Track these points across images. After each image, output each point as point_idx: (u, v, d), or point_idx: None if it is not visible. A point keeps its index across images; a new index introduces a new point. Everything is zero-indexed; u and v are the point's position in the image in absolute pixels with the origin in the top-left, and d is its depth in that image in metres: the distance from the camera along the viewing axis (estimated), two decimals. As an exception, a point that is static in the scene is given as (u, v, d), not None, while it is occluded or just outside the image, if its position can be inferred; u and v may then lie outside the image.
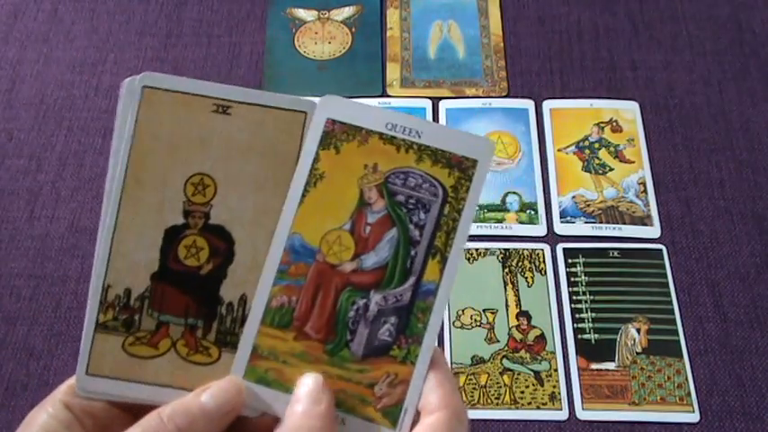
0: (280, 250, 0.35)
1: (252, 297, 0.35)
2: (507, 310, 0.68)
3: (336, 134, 0.36)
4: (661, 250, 0.71)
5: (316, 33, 0.86)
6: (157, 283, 0.35)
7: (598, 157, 0.77)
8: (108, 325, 0.34)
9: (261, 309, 0.35)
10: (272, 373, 0.34)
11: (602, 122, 0.79)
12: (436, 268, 0.35)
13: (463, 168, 0.36)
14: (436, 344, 0.34)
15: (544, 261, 0.71)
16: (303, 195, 0.36)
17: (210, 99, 0.36)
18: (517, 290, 0.69)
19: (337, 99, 0.36)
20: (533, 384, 0.65)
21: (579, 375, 0.65)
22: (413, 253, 0.35)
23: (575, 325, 0.67)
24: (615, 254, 0.71)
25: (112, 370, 0.34)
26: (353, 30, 0.86)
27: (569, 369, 0.65)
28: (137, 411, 0.32)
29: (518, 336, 0.67)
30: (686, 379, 0.65)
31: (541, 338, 0.67)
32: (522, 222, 0.73)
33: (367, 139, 0.36)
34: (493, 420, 0.63)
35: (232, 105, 0.36)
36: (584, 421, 0.63)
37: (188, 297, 0.35)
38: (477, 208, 0.66)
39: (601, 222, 0.73)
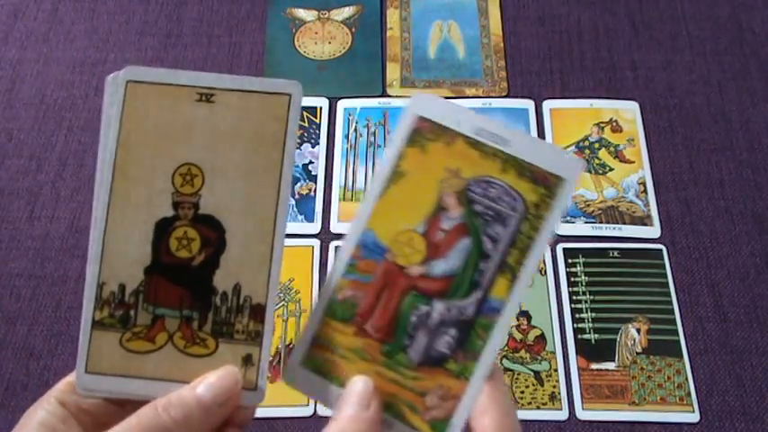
0: (353, 243, 0.35)
1: (246, 286, 0.34)
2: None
3: (424, 133, 0.36)
4: (661, 250, 0.71)
5: (316, 33, 0.86)
6: (151, 277, 0.34)
7: (598, 157, 0.77)
8: (104, 322, 0.34)
9: (326, 299, 0.35)
10: (329, 365, 0.34)
11: (602, 122, 0.79)
12: (505, 286, 0.34)
13: (548, 185, 0.34)
14: (495, 362, 0.34)
15: (544, 261, 0.71)
16: (382, 192, 0.35)
17: (193, 88, 0.35)
18: (517, 290, 0.69)
19: (430, 97, 0.36)
20: (533, 384, 0.65)
21: (579, 375, 0.65)
22: (483, 267, 0.34)
23: (575, 325, 0.67)
24: (615, 254, 0.71)
25: (111, 367, 0.34)
26: (353, 30, 0.86)
27: (569, 369, 0.65)
28: (133, 407, 0.32)
29: (518, 336, 0.67)
30: (686, 379, 0.65)
31: (541, 338, 0.67)
32: (522, 222, 0.73)
33: (454, 141, 0.35)
34: (493, 420, 0.63)
35: (215, 93, 0.35)
36: (584, 421, 0.63)
37: (182, 289, 0.34)
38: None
39: (601, 222, 0.73)
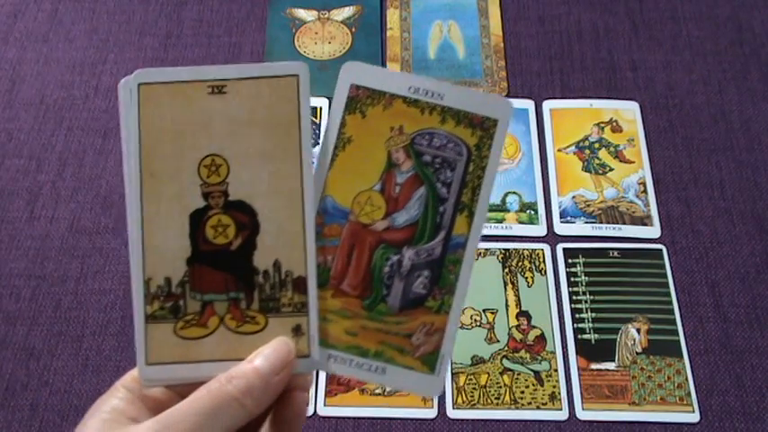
0: (313, 213, 0.36)
1: (285, 261, 0.36)
2: (507, 310, 0.68)
3: (361, 99, 0.38)
4: (661, 250, 0.71)
5: (316, 33, 0.86)
6: (193, 267, 0.36)
7: (598, 157, 0.77)
8: (156, 315, 0.36)
9: None
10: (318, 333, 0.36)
11: (602, 122, 0.79)
12: (464, 222, 0.37)
13: (485, 128, 0.37)
14: (467, 293, 0.36)
15: (544, 261, 0.71)
16: (332, 159, 0.37)
17: (204, 82, 0.36)
18: (517, 290, 0.69)
19: (359, 65, 0.38)
20: (533, 384, 0.65)
21: (579, 375, 0.65)
22: (441, 209, 0.37)
23: (575, 325, 0.67)
24: (615, 254, 0.71)
25: (170, 356, 0.35)
26: (353, 30, 0.86)
27: (569, 369, 0.65)
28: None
29: (518, 336, 0.67)
30: (686, 379, 0.65)
31: (541, 338, 0.67)
32: (522, 222, 0.73)
33: (391, 103, 0.37)
34: (493, 420, 0.63)
35: (226, 84, 0.36)
36: (584, 421, 0.63)
37: (225, 273, 0.36)
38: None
39: (601, 222, 0.73)
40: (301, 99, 0.36)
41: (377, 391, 0.64)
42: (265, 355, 0.34)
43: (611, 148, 0.78)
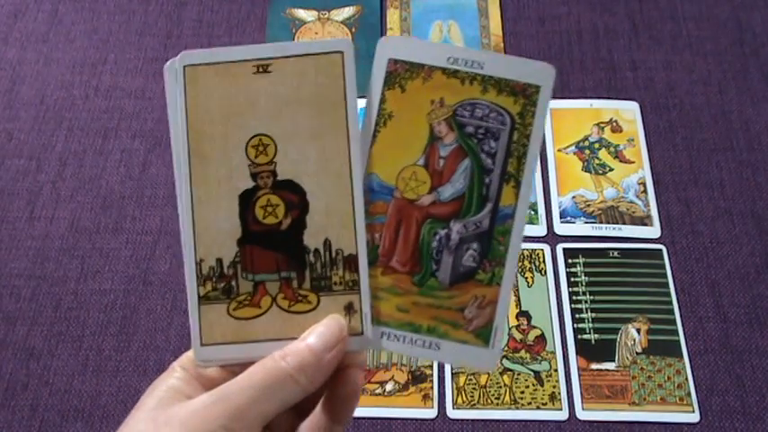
0: (361, 190, 0.36)
1: (335, 240, 0.36)
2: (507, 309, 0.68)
3: (400, 73, 0.37)
4: (661, 250, 0.71)
5: (316, 34, 0.86)
6: (244, 247, 0.36)
7: (598, 157, 0.77)
8: (209, 296, 0.36)
9: None
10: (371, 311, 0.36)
11: (602, 122, 0.79)
12: (511, 192, 0.36)
13: (527, 95, 0.36)
14: (517, 264, 0.36)
15: (544, 261, 0.71)
16: (374, 136, 0.37)
17: (249, 62, 0.36)
18: (517, 290, 0.69)
19: (396, 38, 0.38)
20: (533, 384, 0.65)
21: (579, 375, 0.65)
22: (487, 181, 0.36)
23: (575, 325, 0.67)
24: (615, 254, 0.71)
25: (224, 335, 0.35)
26: (353, 30, 0.86)
27: (569, 369, 0.65)
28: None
29: (518, 336, 0.67)
30: (686, 379, 0.65)
31: (541, 338, 0.67)
32: (522, 222, 0.73)
33: (431, 75, 0.37)
34: (493, 420, 0.63)
35: (271, 63, 0.36)
36: (584, 421, 0.63)
37: (276, 253, 0.36)
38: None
39: (601, 222, 0.73)
40: (347, 76, 0.36)
41: (377, 392, 0.64)
42: (318, 333, 0.34)
43: (611, 148, 0.78)
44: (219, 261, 0.36)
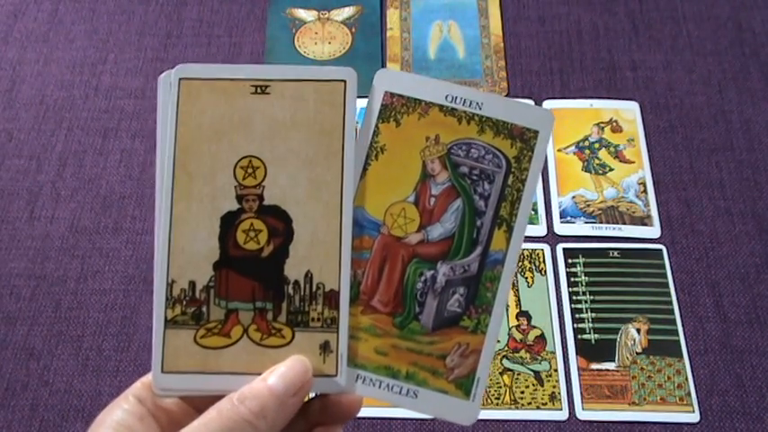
0: (350, 224, 0.35)
1: (317, 273, 0.34)
2: (507, 310, 0.68)
3: (396, 107, 0.36)
4: (661, 250, 0.71)
5: (316, 33, 0.86)
6: (220, 272, 0.34)
7: (598, 157, 0.77)
8: (177, 320, 0.34)
9: None
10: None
11: (602, 122, 0.79)
12: (503, 237, 0.35)
13: (525, 139, 0.36)
14: (505, 313, 0.34)
15: (544, 261, 0.71)
16: (365, 169, 0.36)
17: (248, 81, 0.35)
18: (517, 290, 0.69)
19: (394, 72, 0.37)
20: (533, 384, 0.65)
21: (579, 375, 0.65)
22: (479, 223, 0.35)
23: (575, 325, 0.67)
24: (615, 254, 0.71)
25: (187, 365, 0.33)
26: (353, 30, 0.86)
27: (569, 369, 0.65)
28: (207, 406, 0.32)
29: (518, 336, 0.67)
30: (686, 379, 0.65)
31: (541, 338, 0.67)
32: (522, 222, 0.73)
33: (427, 111, 0.36)
34: (493, 420, 0.63)
35: (270, 84, 0.35)
36: (584, 421, 0.63)
37: (253, 281, 0.34)
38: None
39: (601, 222, 0.73)
40: (347, 105, 0.35)
41: (377, 391, 0.64)
42: (281, 373, 0.32)
43: (611, 148, 0.78)
44: (192, 284, 0.34)
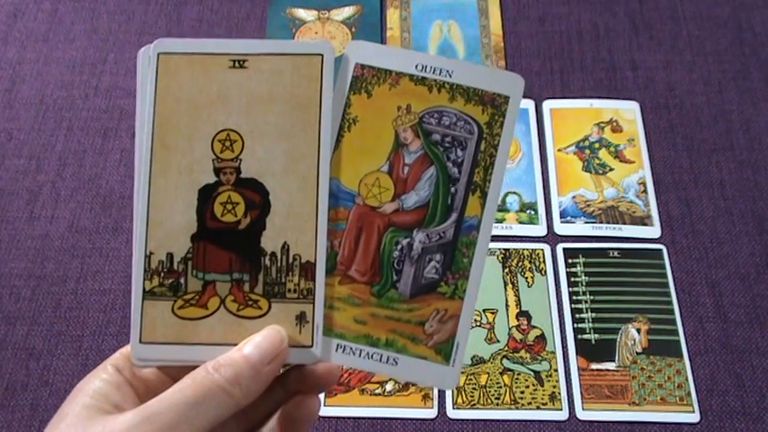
0: (326, 196, 0.35)
1: (294, 244, 0.34)
2: (507, 310, 0.68)
3: (366, 78, 0.36)
4: (661, 250, 0.71)
5: (316, 33, 0.86)
6: (198, 244, 0.35)
7: (598, 157, 0.77)
8: (155, 291, 0.34)
9: None
10: (325, 321, 0.34)
11: (602, 122, 0.79)
12: (477, 203, 0.35)
13: (496, 105, 0.36)
14: (482, 278, 0.35)
15: (544, 261, 0.71)
16: (338, 141, 0.36)
17: (226, 55, 0.36)
18: (517, 290, 0.69)
19: (364, 44, 0.37)
20: (533, 384, 0.65)
21: (579, 375, 0.65)
22: (453, 190, 0.35)
23: (575, 325, 0.67)
24: (615, 254, 0.71)
25: (165, 335, 0.34)
26: (353, 30, 0.86)
27: (569, 369, 0.65)
28: (184, 376, 0.33)
29: (518, 336, 0.67)
30: (686, 379, 0.65)
31: (541, 338, 0.67)
32: (522, 222, 0.73)
33: (398, 82, 0.36)
34: (493, 420, 0.63)
35: (248, 58, 0.36)
36: (585, 421, 0.63)
37: (230, 253, 0.35)
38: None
39: (601, 222, 0.73)
40: (324, 79, 0.35)
41: (377, 392, 0.64)
42: (256, 343, 0.32)
43: (612, 148, 0.78)
44: (170, 255, 0.35)
